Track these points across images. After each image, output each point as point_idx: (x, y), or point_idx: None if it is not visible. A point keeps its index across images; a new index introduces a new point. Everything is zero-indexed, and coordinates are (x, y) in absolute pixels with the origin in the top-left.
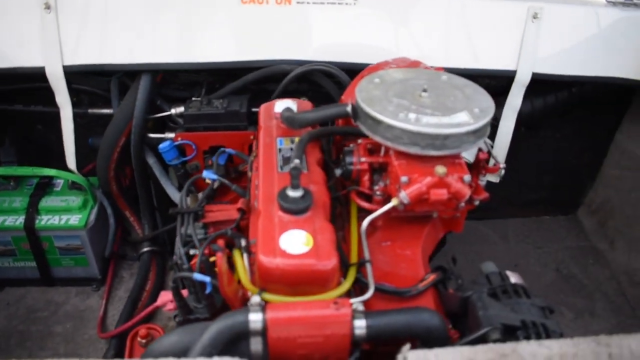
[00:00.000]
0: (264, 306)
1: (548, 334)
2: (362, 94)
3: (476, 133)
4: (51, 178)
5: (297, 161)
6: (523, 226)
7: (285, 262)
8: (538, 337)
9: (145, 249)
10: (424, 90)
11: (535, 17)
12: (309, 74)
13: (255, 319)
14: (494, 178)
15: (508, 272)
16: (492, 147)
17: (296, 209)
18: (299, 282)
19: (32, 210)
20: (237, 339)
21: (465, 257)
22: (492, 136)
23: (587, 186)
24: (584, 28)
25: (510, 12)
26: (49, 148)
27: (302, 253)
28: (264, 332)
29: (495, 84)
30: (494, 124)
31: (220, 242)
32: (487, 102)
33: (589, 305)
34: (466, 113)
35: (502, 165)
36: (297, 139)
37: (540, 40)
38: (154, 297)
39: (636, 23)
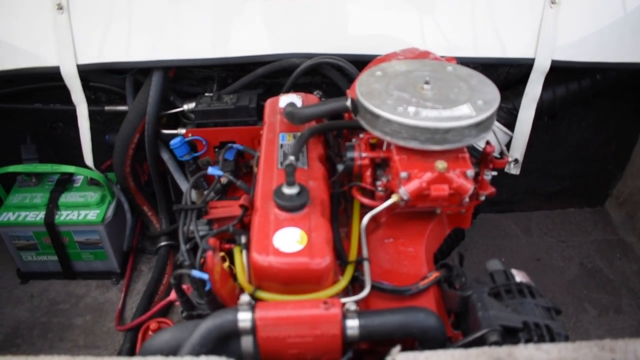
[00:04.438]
0: (253, 305)
1: (552, 337)
2: (362, 88)
3: (478, 126)
4: (71, 175)
5: (291, 158)
6: (547, 219)
7: (277, 260)
8: (541, 339)
9: (163, 244)
10: (426, 83)
11: (553, 2)
12: (317, 67)
13: (244, 318)
14: (514, 170)
15: (514, 271)
16: (511, 137)
17: (291, 206)
18: (292, 280)
19: (52, 206)
20: (228, 338)
21: (486, 251)
22: (513, 127)
23: (615, 177)
24: (605, 12)
25: None
26: (69, 145)
27: (295, 251)
28: (253, 331)
29: (516, 72)
30: (514, 113)
31: (213, 240)
32: (491, 93)
33: (614, 301)
34: (468, 105)
35: (511, 158)
36: (299, 134)
37: (559, 26)
38: (170, 291)
39: None
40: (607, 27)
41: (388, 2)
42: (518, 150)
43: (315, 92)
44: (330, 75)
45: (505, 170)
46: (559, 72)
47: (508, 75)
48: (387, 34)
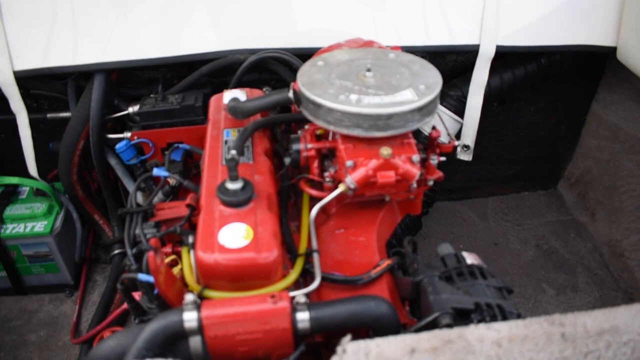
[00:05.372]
0: (199, 304)
1: (505, 316)
2: (304, 78)
3: (421, 110)
4: (16, 186)
5: (233, 152)
6: (502, 204)
7: (223, 257)
8: (493, 319)
9: (116, 252)
10: (368, 70)
11: None
12: (263, 63)
13: (189, 317)
14: (465, 157)
15: (464, 253)
16: (462, 124)
17: (236, 202)
18: (240, 277)
19: None
20: (175, 340)
21: (444, 238)
22: (462, 114)
23: (566, 159)
24: None
25: None
26: (13, 156)
27: (242, 247)
28: (201, 331)
29: (463, 59)
30: (463, 100)
31: (154, 240)
32: (433, 77)
33: (571, 280)
34: (410, 90)
35: (457, 142)
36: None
37: (501, 11)
38: None
39: None
40: (548, 11)
41: None
42: (469, 136)
43: (264, 89)
44: (277, 70)
45: (458, 156)
46: (505, 57)
47: (456, 63)
48: (334, 26)
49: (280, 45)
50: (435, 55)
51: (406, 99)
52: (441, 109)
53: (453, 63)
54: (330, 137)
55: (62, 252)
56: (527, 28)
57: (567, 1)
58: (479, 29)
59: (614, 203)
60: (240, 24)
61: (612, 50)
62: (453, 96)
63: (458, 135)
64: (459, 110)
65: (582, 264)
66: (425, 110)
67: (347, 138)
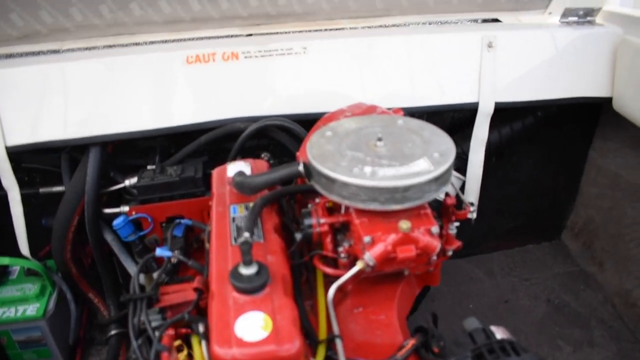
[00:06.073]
0: None
1: None
2: (314, 150)
3: (438, 180)
4: (6, 267)
5: (246, 234)
6: (508, 258)
7: (242, 351)
8: None
9: (113, 332)
10: (379, 139)
11: (490, 46)
12: (263, 131)
13: None
14: (471, 215)
15: (493, 328)
16: (464, 182)
17: (251, 288)
18: None
19: None
20: None
21: (452, 299)
22: (464, 170)
23: (568, 208)
24: (541, 52)
25: (465, 44)
26: (3, 234)
27: (261, 339)
28: None
29: (461, 116)
30: (464, 157)
31: (167, 338)
32: (446, 144)
33: (586, 334)
34: (425, 160)
35: (472, 208)
36: (251, 205)
37: (498, 68)
38: None
39: (592, 40)
40: (544, 65)
41: (327, 59)
42: (472, 193)
43: (263, 155)
44: (278, 137)
45: (472, 222)
46: (503, 112)
47: (453, 119)
48: (330, 90)
49: (277, 111)
50: (432, 114)
51: (422, 169)
52: None
53: (450, 120)
54: (342, 210)
55: (56, 336)
56: (524, 83)
57: (561, 55)
58: (477, 87)
59: (621, 252)
60: (237, 92)
61: (608, 101)
62: None
63: (461, 192)
64: (460, 167)
65: (595, 317)
66: (442, 180)
67: (361, 211)
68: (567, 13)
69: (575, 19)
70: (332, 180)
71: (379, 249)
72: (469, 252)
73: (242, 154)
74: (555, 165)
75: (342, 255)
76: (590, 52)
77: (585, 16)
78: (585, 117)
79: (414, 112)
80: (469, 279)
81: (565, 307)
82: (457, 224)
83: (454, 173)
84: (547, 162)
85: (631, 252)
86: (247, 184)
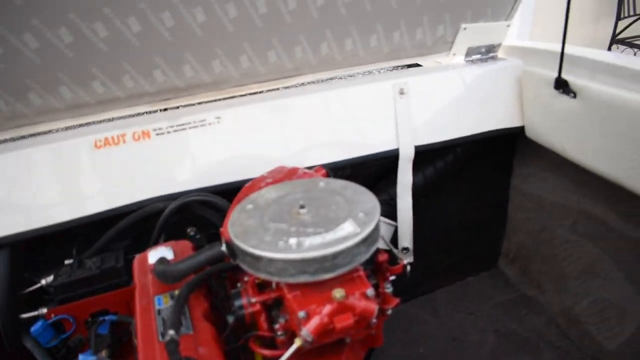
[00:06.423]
0: None
1: None
2: (235, 228)
3: (366, 241)
4: None
5: (171, 332)
6: (450, 295)
7: None
8: None
9: None
10: (302, 207)
11: (401, 92)
12: (184, 208)
13: None
14: (407, 259)
15: None
16: (396, 227)
17: None
18: None
19: None
20: None
21: (402, 346)
22: (394, 216)
23: (500, 236)
24: (451, 91)
25: (378, 93)
26: None
27: None
28: None
29: (386, 162)
30: (392, 203)
31: None
32: (370, 202)
33: (537, 359)
34: (351, 222)
35: (406, 261)
36: (176, 294)
37: (413, 113)
38: None
39: (497, 74)
40: (458, 106)
41: (243, 125)
42: (406, 238)
43: (189, 229)
44: (201, 212)
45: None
46: (424, 153)
47: (379, 167)
48: (250, 155)
49: (199, 185)
50: (356, 165)
51: (349, 232)
52: None
53: (376, 167)
54: (274, 285)
55: None
56: (440, 124)
57: (471, 92)
58: (395, 134)
59: (556, 271)
60: (152, 171)
61: (520, 129)
62: (382, 201)
63: (394, 239)
64: (390, 213)
65: (542, 340)
66: (370, 240)
67: (293, 285)
68: (470, 52)
69: (478, 56)
70: (257, 258)
71: (315, 322)
72: (410, 296)
73: (167, 231)
74: (481, 197)
75: (279, 332)
76: (497, 86)
77: (488, 52)
78: (502, 148)
79: (338, 166)
80: (415, 323)
81: (512, 334)
82: (392, 277)
83: (385, 220)
84: (473, 195)
85: (565, 270)
86: (169, 273)
